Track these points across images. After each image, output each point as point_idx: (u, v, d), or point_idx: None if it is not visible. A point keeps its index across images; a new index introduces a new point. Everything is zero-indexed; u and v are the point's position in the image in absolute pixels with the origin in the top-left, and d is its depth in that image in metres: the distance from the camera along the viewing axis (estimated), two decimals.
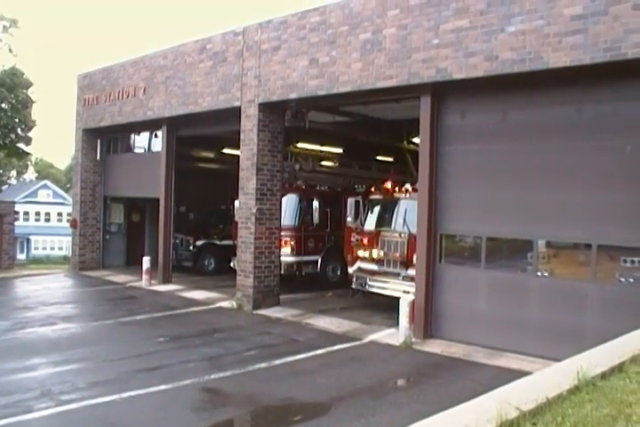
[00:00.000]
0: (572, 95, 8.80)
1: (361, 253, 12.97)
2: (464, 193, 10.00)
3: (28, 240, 55.59)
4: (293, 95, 11.88)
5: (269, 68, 12.32)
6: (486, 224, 9.69)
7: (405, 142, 17.70)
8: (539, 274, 9.17)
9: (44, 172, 77.32)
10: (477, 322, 9.58)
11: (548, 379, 4.43)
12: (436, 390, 7.25)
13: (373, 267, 12.60)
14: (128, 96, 16.63)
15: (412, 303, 9.66)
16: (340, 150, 19.49)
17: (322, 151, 18.99)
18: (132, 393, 7.14)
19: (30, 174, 77.73)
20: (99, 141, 19.17)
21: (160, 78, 15.46)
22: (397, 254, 12.05)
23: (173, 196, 16.18)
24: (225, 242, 17.48)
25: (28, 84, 28.93)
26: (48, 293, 15.16)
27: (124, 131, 18.04)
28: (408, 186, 12.63)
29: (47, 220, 60.47)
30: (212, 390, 7.43)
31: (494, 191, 9.62)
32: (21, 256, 52.85)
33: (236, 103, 13.04)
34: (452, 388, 7.29)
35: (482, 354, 8.98)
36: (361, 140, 17.92)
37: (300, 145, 17.76)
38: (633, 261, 8.32)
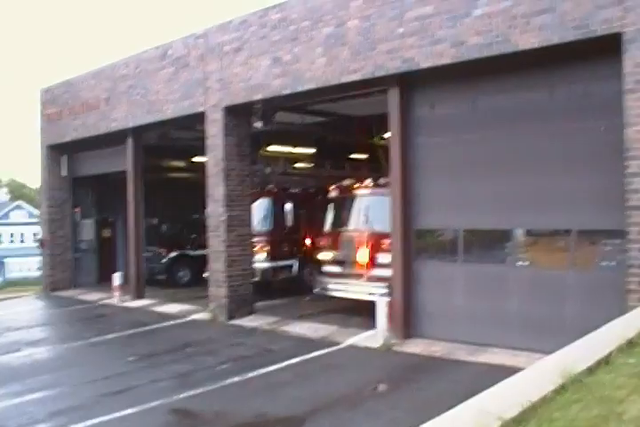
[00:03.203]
0: (543, 78, 8.52)
1: (322, 255, 12.47)
2: (438, 186, 9.66)
3: (2, 263, 54.53)
4: (257, 96, 11.50)
5: (232, 70, 11.95)
6: (462, 216, 9.35)
7: (377, 138, 17.35)
8: (518, 264, 8.87)
9: (17, 192, 76.10)
10: (458, 318, 9.22)
11: (530, 380, 4.04)
12: (416, 395, 6.85)
13: (336, 269, 12.07)
14: (91, 109, 16.10)
15: (390, 303, 9.26)
16: (312, 151, 19.10)
17: (293, 153, 18.59)
18: (95, 421, 6.65)
19: (3, 195, 76.47)
20: (64, 158, 18.56)
21: (122, 88, 14.99)
22: (360, 254, 11.57)
23: (143, 209, 15.63)
24: (199, 252, 16.88)
25: None
26: (15, 317, 14.45)
27: (88, 145, 17.44)
28: (368, 181, 12.21)
29: (22, 241, 59.33)
30: (180, 411, 6.95)
31: (469, 182, 9.28)
32: None
33: (200, 109, 12.64)
34: (432, 391, 6.90)
35: (464, 351, 8.61)
36: (333, 140, 17.58)
37: (270, 148, 17.37)
38: (614, 244, 8.02)
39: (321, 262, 12.59)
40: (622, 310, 6.77)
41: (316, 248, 13.02)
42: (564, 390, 3.82)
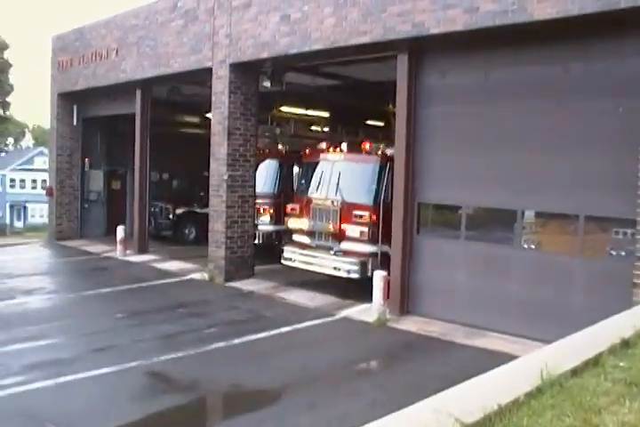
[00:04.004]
0: (559, 52, 7.98)
1: (291, 223, 11.86)
2: (444, 158, 9.24)
3: (25, 208, 55.14)
4: (264, 55, 11.09)
5: (241, 26, 11.49)
6: (467, 192, 8.95)
7: (391, 106, 16.76)
8: (525, 247, 8.49)
9: (42, 138, 76.32)
10: (457, 298, 8.90)
11: (504, 379, 3.72)
12: (404, 376, 6.61)
13: (305, 240, 11.51)
14: (101, 58, 15.77)
15: (386, 278, 8.94)
16: (326, 114, 18.57)
17: (307, 115, 18.08)
18: (70, 378, 6.53)
19: (28, 141, 76.99)
20: (75, 106, 18.29)
21: (132, 39, 14.60)
22: (329, 226, 10.99)
23: (149, 163, 15.43)
24: (206, 210, 16.69)
25: (4, 47, 27.48)
26: (17, 264, 14.48)
27: (99, 93, 17.13)
28: (344, 146, 11.48)
29: (44, 187, 59.76)
30: (156, 375, 6.81)
31: (476, 157, 8.84)
32: (19, 224, 52.41)
33: (208, 64, 12.25)
34: (422, 373, 6.65)
35: (461, 333, 8.31)
36: (348, 104, 17.00)
37: (283, 109, 16.90)
38: (625, 233, 7.58)
39: (291, 231, 12.02)
40: (629, 299, 6.44)
41: (287, 215, 12.35)
42: (540, 393, 3.51)
